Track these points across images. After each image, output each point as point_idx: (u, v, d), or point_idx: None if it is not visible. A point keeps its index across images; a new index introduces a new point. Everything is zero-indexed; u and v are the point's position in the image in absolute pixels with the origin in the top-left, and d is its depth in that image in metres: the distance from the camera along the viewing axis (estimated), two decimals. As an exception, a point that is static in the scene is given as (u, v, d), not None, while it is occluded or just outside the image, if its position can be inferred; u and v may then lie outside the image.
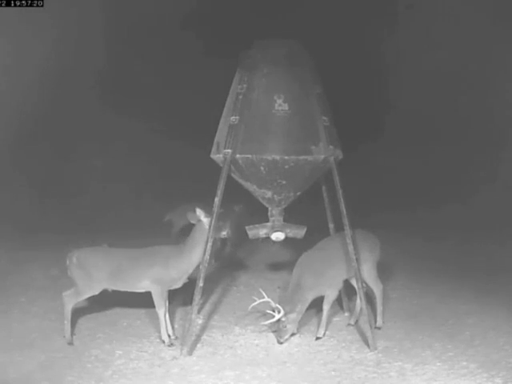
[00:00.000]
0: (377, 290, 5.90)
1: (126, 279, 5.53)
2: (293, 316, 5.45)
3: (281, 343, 5.49)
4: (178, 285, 5.65)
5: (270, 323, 5.49)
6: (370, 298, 6.15)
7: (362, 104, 12.26)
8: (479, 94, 10.99)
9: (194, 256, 5.51)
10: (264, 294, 5.54)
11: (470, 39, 9.57)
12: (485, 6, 8.65)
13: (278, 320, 5.41)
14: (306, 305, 5.58)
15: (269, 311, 5.49)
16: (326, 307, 5.68)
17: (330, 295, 5.68)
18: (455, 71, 10.77)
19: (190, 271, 5.59)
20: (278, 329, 5.53)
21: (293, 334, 5.64)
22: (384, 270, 6.17)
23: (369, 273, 5.83)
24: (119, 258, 5.62)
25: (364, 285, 5.72)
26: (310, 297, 5.58)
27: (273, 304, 5.47)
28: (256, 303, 5.58)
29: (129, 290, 5.64)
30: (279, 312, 5.37)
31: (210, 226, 5.41)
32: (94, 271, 5.45)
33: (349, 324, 5.99)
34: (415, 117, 12.20)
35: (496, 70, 9.71)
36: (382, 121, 12.31)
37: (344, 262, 5.63)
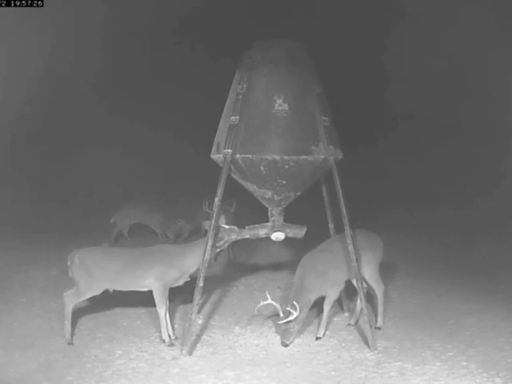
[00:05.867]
0: (378, 290, 5.90)
1: (129, 278, 5.54)
2: (301, 316, 5.44)
3: (286, 345, 5.45)
4: (180, 283, 5.67)
5: (285, 322, 5.39)
6: (370, 298, 6.15)
7: (362, 105, 12.27)
8: (480, 99, 10.99)
9: (196, 256, 5.53)
10: (268, 296, 5.52)
11: (469, 42, 9.56)
12: (484, 8, 8.65)
13: (288, 321, 5.37)
14: (310, 305, 5.58)
15: (288, 308, 5.36)
16: (326, 307, 5.68)
17: (332, 295, 5.68)
18: (455, 75, 10.78)
19: (192, 270, 5.61)
20: (283, 330, 5.48)
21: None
22: (385, 271, 6.17)
23: (371, 273, 5.83)
24: (121, 257, 5.64)
25: (365, 285, 5.73)
26: (313, 297, 5.57)
27: (278, 306, 5.46)
28: (260, 305, 5.57)
29: (131, 289, 5.65)
30: (296, 310, 5.30)
31: (210, 226, 5.41)
32: (95, 271, 5.46)
33: (349, 324, 5.99)
34: (416, 119, 12.22)
35: (496, 72, 9.71)
36: (382, 123, 12.32)
37: (347, 263, 5.62)
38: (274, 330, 5.82)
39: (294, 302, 5.33)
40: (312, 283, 5.53)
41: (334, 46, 10.71)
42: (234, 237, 5.71)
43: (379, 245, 6.03)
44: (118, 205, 9.98)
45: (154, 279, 5.50)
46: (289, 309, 5.33)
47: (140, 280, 5.54)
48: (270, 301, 5.48)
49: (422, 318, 6.12)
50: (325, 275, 5.61)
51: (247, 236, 5.77)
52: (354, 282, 5.74)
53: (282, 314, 5.42)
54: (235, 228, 5.75)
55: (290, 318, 5.34)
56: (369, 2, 10.70)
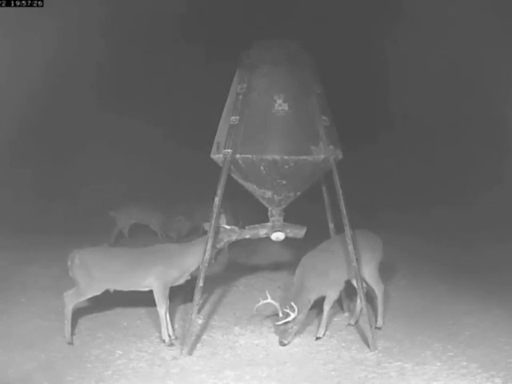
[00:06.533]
0: (378, 290, 5.91)
1: (129, 278, 5.55)
2: (300, 317, 5.44)
3: (284, 345, 5.46)
4: (180, 282, 5.69)
5: (283, 323, 5.40)
6: (370, 298, 6.15)
7: (362, 105, 12.27)
8: (480, 99, 11.00)
9: (196, 255, 5.53)
10: (268, 295, 5.53)
11: (469, 42, 9.57)
12: (484, 8, 8.65)
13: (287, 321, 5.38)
14: (309, 305, 5.58)
15: (286, 310, 5.36)
16: (326, 307, 5.68)
17: (332, 295, 5.68)
18: (455, 75, 10.78)
19: (192, 270, 5.62)
20: (282, 330, 5.48)
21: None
22: (384, 270, 6.17)
23: (371, 273, 5.84)
24: (121, 257, 5.64)
25: (365, 285, 5.73)
26: (313, 297, 5.58)
27: (277, 306, 5.46)
28: (260, 304, 5.58)
29: (131, 289, 5.65)
30: (293, 311, 5.31)
31: (210, 226, 5.41)
32: (95, 271, 5.46)
33: (349, 324, 5.99)
34: (416, 119, 12.22)
35: (496, 72, 9.71)
36: (382, 123, 12.32)
37: (347, 263, 5.63)
38: (273, 329, 5.82)
39: (292, 303, 5.34)
40: (312, 283, 5.54)
41: (334, 46, 10.71)
42: (234, 237, 5.72)
43: (379, 245, 6.03)
44: (119, 204, 9.98)
45: (154, 279, 5.51)
46: (286, 310, 5.34)
47: (140, 280, 5.55)
48: (269, 300, 5.49)
49: (422, 318, 6.12)
50: (325, 275, 5.61)
51: (247, 236, 5.78)
52: (354, 282, 5.74)
53: (281, 314, 5.42)
54: (235, 228, 5.76)
55: (288, 318, 5.34)
56: (369, 2, 10.70)
